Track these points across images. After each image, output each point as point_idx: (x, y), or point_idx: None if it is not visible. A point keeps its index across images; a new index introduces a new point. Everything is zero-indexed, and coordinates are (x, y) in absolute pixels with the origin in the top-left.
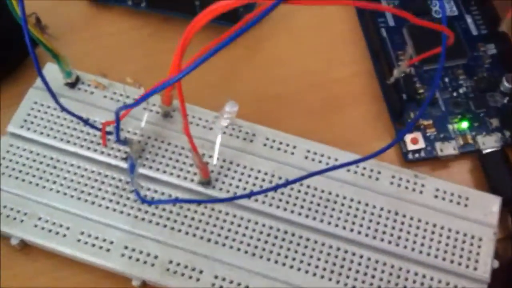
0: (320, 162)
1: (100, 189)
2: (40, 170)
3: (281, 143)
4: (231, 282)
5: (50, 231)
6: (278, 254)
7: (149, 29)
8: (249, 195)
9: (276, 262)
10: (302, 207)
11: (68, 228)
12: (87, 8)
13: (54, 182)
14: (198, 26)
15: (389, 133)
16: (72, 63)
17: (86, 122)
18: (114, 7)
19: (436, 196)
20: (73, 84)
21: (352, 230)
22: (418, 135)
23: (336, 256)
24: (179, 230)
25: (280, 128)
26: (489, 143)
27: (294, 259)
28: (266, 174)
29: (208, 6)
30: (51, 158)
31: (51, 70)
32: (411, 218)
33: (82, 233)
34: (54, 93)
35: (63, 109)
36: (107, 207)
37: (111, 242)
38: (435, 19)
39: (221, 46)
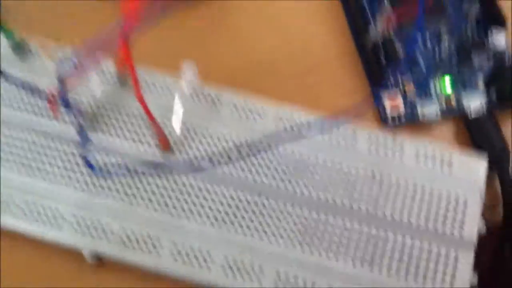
0: (292, 128)
1: (51, 162)
2: None
3: (250, 109)
4: (194, 254)
5: None
6: (243, 221)
7: None
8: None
9: (241, 228)
10: (272, 173)
11: (14, 200)
12: None
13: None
14: None
15: (367, 97)
16: (22, 26)
17: (32, 90)
18: None
19: (417, 159)
20: (21, 51)
21: (326, 197)
22: (397, 98)
23: (309, 224)
24: (138, 203)
25: (249, 94)
26: (474, 104)
27: (261, 225)
28: (232, 142)
29: None
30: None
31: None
32: (390, 182)
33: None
34: None
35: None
36: (59, 177)
37: (63, 216)
38: None
39: None
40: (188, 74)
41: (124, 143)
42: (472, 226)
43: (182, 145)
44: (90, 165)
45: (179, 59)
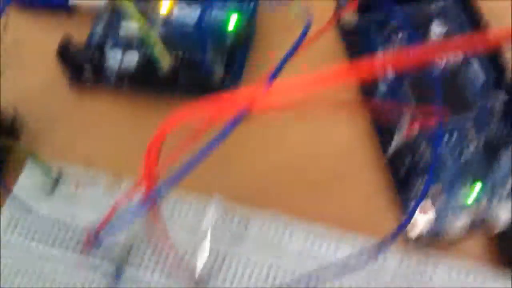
0: (320, 247)
1: None
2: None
3: (277, 228)
4: None
5: None
6: None
7: (132, 108)
8: None
9: None
10: None
11: None
12: (67, 94)
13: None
14: (164, 136)
15: (396, 204)
16: (57, 155)
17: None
18: (96, 89)
19: (449, 279)
20: (56, 182)
21: None
22: (427, 211)
23: None
24: None
25: (277, 208)
26: (505, 212)
27: None
28: (262, 267)
29: (191, 84)
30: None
31: (33, 168)
32: None
33: None
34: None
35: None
36: None
37: None
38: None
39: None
40: (216, 205)
41: (156, 275)
42: None
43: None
44: None
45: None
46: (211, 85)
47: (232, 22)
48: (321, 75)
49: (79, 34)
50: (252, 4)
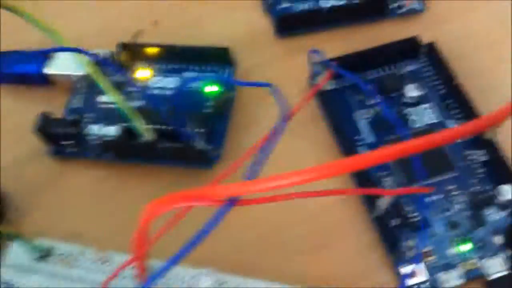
0: None
1: None
2: None
3: None
4: None
5: None
6: None
7: (114, 179)
8: None
9: None
10: None
11: None
12: (49, 166)
13: None
14: (153, 217)
15: (386, 264)
16: (43, 230)
17: None
18: (77, 160)
19: None
20: (43, 259)
21: None
22: (419, 271)
23: None
24: None
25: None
26: (495, 267)
27: None
28: None
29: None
30: None
31: (19, 246)
32: None
33: None
34: None
35: None
36: None
37: None
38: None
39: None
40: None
41: None
42: None
43: None
44: None
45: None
46: (192, 155)
47: (210, 91)
48: (308, 172)
49: (55, 105)
50: (228, 73)
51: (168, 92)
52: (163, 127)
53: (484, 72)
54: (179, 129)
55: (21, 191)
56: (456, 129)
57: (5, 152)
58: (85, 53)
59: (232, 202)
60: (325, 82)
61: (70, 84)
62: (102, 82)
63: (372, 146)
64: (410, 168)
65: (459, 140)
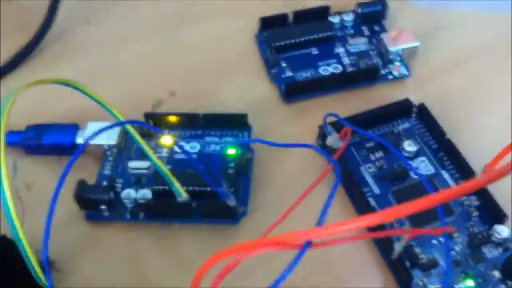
0: None
1: None
2: None
3: None
4: None
5: None
6: None
7: (150, 239)
8: None
9: None
10: None
11: None
12: (86, 230)
13: None
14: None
15: None
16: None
17: None
18: (112, 223)
19: None
20: None
21: None
22: None
23: None
24: None
25: None
26: None
27: None
28: None
29: (205, 211)
30: None
31: None
32: None
33: None
34: None
35: None
36: None
37: None
38: (414, 180)
39: None
40: None
41: None
42: None
43: None
44: None
45: None
46: (222, 212)
47: (231, 154)
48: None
49: (87, 173)
50: (246, 136)
51: (191, 156)
52: (197, 188)
53: (466, 124)
54: (215, 188)
55: (61, 257)
56: (464, 186)
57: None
58: (148, 126)
59: (309, 244)
60: (348, 139)
61: (100, 153)
62: (143, 145)
63: (378, 197)
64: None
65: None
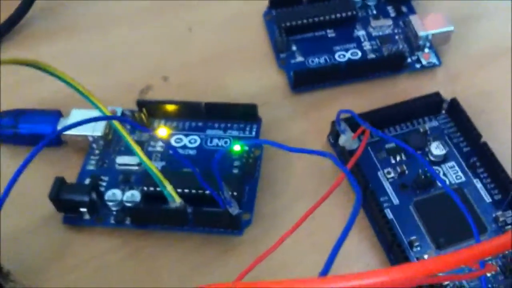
0: None
1: None
2: None
3: None
4: None
5: None
6: None
7: (135, 247)
8: None
9: None
10: None
11: None
12: (60, 235)
13: None
14: None
15: None
16: None
17: None
18: (93, 229)
19: None
20: None
21: None
22: None
23: None
24: None
25: None
26: None
27: None
28: None
29: (202, 219)
30: None
31: None
32: None
33: None
34: None
35: None
36: None
37: None
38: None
39: None
40: None
41: None
42: None
43: None
44: None
45: None
46: (223, 221)
47: (237, 150)
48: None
49: (68, 167)
50: (254, 130)
51: (190, 152)
52: (193, 190)
53: (504, 126)
54: (213, 193)
55: (26, 263)
56: None
57: (14, 219)
58: (125, 120)
59: None
60: (364, 143)
61: (84, 145)
62: (131, 142)
63: (397, 209)
64: (442, 232)
65: (489, 201)
